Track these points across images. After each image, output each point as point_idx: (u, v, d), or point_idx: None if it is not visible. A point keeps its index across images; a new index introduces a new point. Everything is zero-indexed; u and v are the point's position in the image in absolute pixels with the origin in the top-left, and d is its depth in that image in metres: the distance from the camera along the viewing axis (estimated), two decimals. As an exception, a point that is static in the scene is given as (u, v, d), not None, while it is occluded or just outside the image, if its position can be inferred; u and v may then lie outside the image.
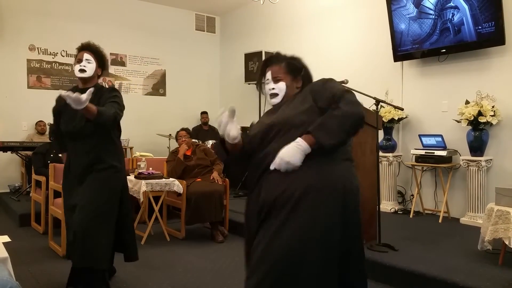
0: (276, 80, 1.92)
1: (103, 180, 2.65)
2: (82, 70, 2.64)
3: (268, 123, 1.83)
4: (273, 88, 1.92)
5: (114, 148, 2.75)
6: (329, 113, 1.68)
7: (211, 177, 4.54)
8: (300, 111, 1.76)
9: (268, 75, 1.94)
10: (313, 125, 1.66)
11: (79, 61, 2.66)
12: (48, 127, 6.36)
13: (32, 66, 6.74)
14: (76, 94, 2.15)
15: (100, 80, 2.83)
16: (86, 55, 2.66)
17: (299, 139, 1.65)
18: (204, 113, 7.97)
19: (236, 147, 1.88)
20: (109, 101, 2.58)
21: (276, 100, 1.92)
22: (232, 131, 1.77)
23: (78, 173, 2.68)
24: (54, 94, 7.01)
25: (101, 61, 2.72)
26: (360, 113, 1.71)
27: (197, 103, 8.19)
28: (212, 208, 4.25)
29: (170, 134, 6.81)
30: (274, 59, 1.98)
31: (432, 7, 4.75)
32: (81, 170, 2.66)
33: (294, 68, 1.95)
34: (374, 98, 3.47)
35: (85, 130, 2.58)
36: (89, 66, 2.65)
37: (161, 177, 4.24)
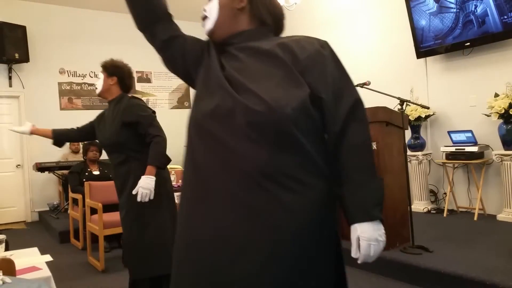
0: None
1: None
2: (95, 89, 2.72)
3: (231, 108, 1.13)
4: (204, 10, 1.38)
5: None
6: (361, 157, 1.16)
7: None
8: (287, 94, 1.11)
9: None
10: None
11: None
12: (81, 145, 6.58)
13: (63, 88, 7.01)
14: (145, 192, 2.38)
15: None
16: (99, 74, 2.73)
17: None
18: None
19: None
20: (147, 129, 2.51)
21: (207, 25, 1.37)
22: None
23: None
24: (85, 114, 7.33)
25: (108, 71, 2.65)
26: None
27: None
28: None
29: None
30: None
31: (453, 0, 4.66)
32: None
33: None
34: (398, 98, 3.44)
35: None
36: (98, 82, 2.66)
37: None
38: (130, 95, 2.70)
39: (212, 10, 1.32)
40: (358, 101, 1.18)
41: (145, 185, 2.39)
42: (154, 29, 1.48)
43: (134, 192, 2.40)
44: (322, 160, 1.16)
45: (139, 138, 2.53)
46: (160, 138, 2.51)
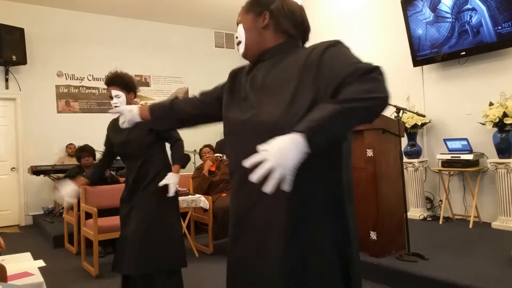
0: (237, 24, 1.46)
1: None
2: (117, 107, 2.70)
3: (250, 120, 1.30)
4: (236, 37, 1.48)
5: None
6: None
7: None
8: (292, 107, 1.20)
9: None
10: None
11: (110, 98, 2.78)
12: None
13: (60, 91, 7.00)
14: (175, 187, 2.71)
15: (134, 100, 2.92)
16: (113, 91, 2.74)
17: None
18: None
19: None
20: (171, 133, 2.85)
21: (240, 49, 1.44)
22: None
23: None
24: (82, 117, 7.32)
25: (127, 87, 2.77)
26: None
27: (220, 118, 8.29)
28: (239, 223, 4.28)
29: (195, 150, 6.92)
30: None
31: (448, 10, 4.71)
32: None
33: (256, 3, 1.40)
34: (395, 106, 3.46)
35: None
36: (120, 100, 2.74)
37: (187, 194, 4.31)
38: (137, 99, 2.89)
39: (241, 35, 1.43)
40: (361, 68, 1.14)
41: (175, 181, 2.72)
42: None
43: (161, 184, 2.68)
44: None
45: (157, 142, 2.79)
46: (182, 142, 2.89)
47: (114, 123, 2.90)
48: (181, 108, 1.66)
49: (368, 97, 1.10)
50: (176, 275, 2.83)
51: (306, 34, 1.44)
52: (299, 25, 1.40)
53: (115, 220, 4.11)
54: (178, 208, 2.93)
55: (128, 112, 1.76)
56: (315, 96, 1.18)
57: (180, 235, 2.85)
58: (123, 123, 1.88)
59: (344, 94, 1.10)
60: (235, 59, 8.90)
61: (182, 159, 2.89)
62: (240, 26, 1.43)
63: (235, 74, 1.51)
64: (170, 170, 2.79)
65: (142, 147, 2.73)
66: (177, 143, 2.86)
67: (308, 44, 1.40)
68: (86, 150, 5.00)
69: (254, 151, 1.09)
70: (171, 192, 2.71)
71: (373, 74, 1.14)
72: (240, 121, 1.33)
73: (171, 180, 2.71)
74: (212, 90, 1.64)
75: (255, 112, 1.28)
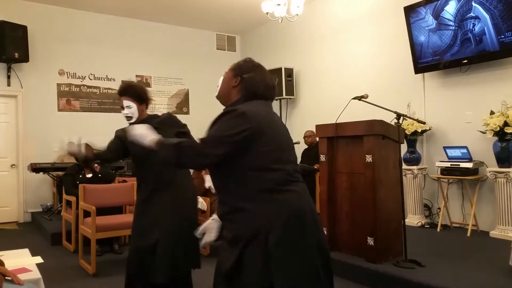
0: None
1: None
2: (128, 118, 2.78)
3: None
4: (218, 81, 1.99)
5: None
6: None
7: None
8: None
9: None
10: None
11: (122, 108, 2.79)
12: None
13: (61, 90, 7.01)
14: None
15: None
16: (125, 102, 2.74)
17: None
18: (227, 130, 8.06)
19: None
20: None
21: (216, 91, 1.99)
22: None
23: None
24: (83, 116, 7.32)
25: (140, 99, 2.77)
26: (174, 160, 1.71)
27: (220, 120, 8.30)
28: (237, 225, 4.27)
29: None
30: None
31: (451, 18, 4.72)
32: None
33: (238, 67, 1.89)
34: (395, 112, 3.47)
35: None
36: (131, 111, 2.74)
37: (185, 195, 4.30)
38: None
39: (220, 83, 1.95)
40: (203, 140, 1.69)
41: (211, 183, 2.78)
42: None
43: (207, 186, 2.89)
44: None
45: None
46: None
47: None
48: None
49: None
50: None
51: (254, 98, 1.82)
52: (255, 96, 1.82)
53: (113, 219, 4.13)
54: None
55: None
56: None
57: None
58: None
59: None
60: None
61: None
62: (221, 78, 1.94)
63: None
64: (190, 178, 2.85)
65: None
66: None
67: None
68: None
69: None
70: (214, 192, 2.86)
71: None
72: None
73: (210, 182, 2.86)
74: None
75: None
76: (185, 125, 2.89)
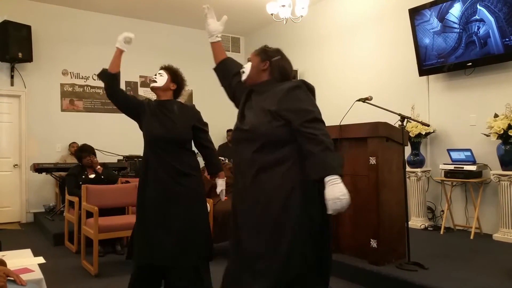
0: (248, 60, 2.18)
1: None
2: (153, 81, 2.85)
3: (240, 128, 2.05)
4: (243, 67, 2.19)
5: None
6: (317, 149, 1.80)
7: (238, 196, 4.57)
8: (262, 121, 1.92)
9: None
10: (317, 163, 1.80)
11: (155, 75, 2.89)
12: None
13: (65, 90, 7.02)
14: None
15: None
16: (160, 71, 2.91)
17: (330, 178, 1.75)
18: (230, 131, 8.05)
19: (218, 53, 2.45)
20: (208, 138, 2.96)
21: (243, 76, 2.16)
22: (210, 26, 2.37)
23: None
24: (86, 116, 7.32)
25: (173, 76, 2.90)
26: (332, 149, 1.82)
27: (223, 121, 8.27)
28: (239, 226, 4.27)
29: (197, 152, 6.91)
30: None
31: (456, 21, 4.71)
32: None
33: (264, 52, 2.13)
34: (399, 115, 3.45)
35: None
36: (160, 78, 2.85)
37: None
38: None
39: (247, 68, 2.14)
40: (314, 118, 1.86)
41: (225, 186, 2.96)
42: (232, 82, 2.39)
43: (218, 191, 2.98)
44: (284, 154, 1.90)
45: (190, 142, 2.88)
46: (214, 147, 3.03)
47: (157, 109, 2.83)
48: None
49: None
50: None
51: (286, 79, 2.09)
52: (284, 76, 2.10)
53: (115, 220, 4.12)
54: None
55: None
56: (273, 112, 1.91)
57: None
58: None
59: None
60: (240, 62, 8.92)
61: (220, 166, 3.03)
62: (249, 64, 2.14)
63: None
64: (200, 172, 2.88)
65: (182, 141, 2.76)
66: (212, 148, 2.98)
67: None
68: (86, 150, 4.96)
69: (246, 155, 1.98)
70: (223, 198, 3.04)
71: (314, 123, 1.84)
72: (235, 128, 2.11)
73: (224, 186, 2.96)
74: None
75: (250, 123, 2.00)
76: (206, 124, 2.97)
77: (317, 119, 1.84)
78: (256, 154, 1.92)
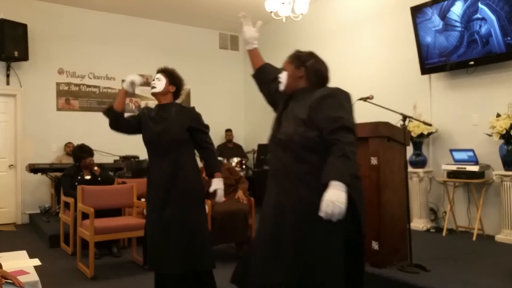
0: (283, 69, 2.16)
1: None
2: (152, 87, 2.89)
3: (276, 136, 2.08)
4: (279, 77, 2.16)
5: None
6: (335, 155, 1.81)
7: (236, 197, 4.52)
8: (297, 130, 1.94)
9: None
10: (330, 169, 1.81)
11: (154, 80, 2.93)
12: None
13: (61, 89, 6.94)
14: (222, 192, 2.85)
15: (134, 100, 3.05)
16: (157, 75, 2.92)
17: (335, 183, 1.76)
18: (228, 131, 8.00)
19: (256, 59, 2.38)
20: (206, 138, 2.90)
21: (281, 87, 2.14)
22: (246, 34, 2.34)
23: None
24: (82, 116, 7.25)
25: (171, 78, 2.92)
26: (356, 162, 1.86)
27: (222, 121, 8.24)
28: (237, 228, 4.22)
29: (195, 153, 6.85)
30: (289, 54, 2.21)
31: (458, 19, 4.65)
32: None
33: (297, 59, 2.12)
34: (401, 114, 3.40)
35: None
36: (159, 83, 2.87)
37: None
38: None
39: (283, 78, 2.12)
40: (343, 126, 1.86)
41: (222, 187, 2.85)
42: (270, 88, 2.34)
43: (211, 190, 2.84)
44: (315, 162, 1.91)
45: (189, 143, 2.87)
46: (214, 148, 2.94)
47: (156, 113, 2.91)
48: None
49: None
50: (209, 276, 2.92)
51: (324, 84, 2.12)
52: (321, 80, 2.12)
53: (112, 222, 4.06)
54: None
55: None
56: (306, 120, 1.94)
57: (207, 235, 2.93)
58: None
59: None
60: (239, 61, 8.88)
61: (217, 165, 2.94)
62: (284, 73, 2.13)
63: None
64: (199, 173, 2.88)
65: (177, 142, 2.79)
66: (211, 148, 2.91)
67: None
68: (87, 151, 4.89)
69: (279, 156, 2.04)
70: (219, 198, 2.89)
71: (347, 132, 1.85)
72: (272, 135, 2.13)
73: (219, 185, 2.84)
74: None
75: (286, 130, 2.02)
76: (207, 126, 2.94)
77: (345, 127, 1.84)
78: (291, 163, 1.95)
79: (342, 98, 1.95)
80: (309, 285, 1.90)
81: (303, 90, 2.07)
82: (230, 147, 7.85)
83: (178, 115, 2.85)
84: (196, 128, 2.86)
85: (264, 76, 2.36)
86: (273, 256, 1.97)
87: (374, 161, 3.41)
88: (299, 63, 2.10)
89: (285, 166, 1.98)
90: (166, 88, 2.90)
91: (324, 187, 1.78)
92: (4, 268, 2.02)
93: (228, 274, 4.01)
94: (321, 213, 1.75)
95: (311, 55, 2.14)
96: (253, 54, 2.42)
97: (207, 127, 2.93)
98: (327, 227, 1.83)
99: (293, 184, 1.94)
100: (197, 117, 2.92)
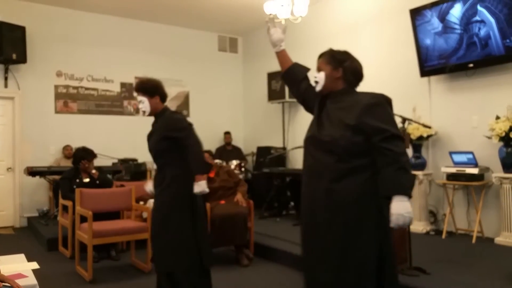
0: (318, 69, 2.17)
1: None
2: (143, 112, 2.98)
3: (319, 138, 2.09)
4: (315, 77, 2.17)
5: None
6: (393, 168, 1.88)
7: (235, 199, 4.50)
8: (343, 134, 1.98)
9: (315, 66, 2.22)
10: (394, 183, 1.89)
11: (138, 103, 3.02)
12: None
13: (59, 91, 6.92)
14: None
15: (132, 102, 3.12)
16: (138, 97, 2.97)
17: (398, 199, 1.86)
18: (227, 133, 7.99)
19: (284, 60, 2.42)
20: (184, 142, 2.85)
21: (318, 87, 2.16)
22: (273, 36, 2.34)
23: None
24: (80, 118, 7.23)
25: (149, 92, 2.94)
26: (412, 174, 1.96)
27: (221, 123, 8.24)
28: (237, 231, 4.21)
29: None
30: (323, 53, 2.22)
31: (457, 21, 4.65)
32: None
33: (334, 59, 2.13)
34: (400, 116, 3.40)
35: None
36: (144, 105, 2.94)
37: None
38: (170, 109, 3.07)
39: (321, 78, 2.14)
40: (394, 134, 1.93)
41: (201, 189, 2.84)
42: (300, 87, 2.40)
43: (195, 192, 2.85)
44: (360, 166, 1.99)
45: (175, 149, 2.87)
46: (193, 148, 2.87)
47: (152, 127, 3.04)
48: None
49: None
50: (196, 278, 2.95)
51: (359, 81, 2.18)
52: (358, 79, 2.16)
53: (110, 225, 4.04)
54: (199, 214, 2.97)
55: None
56: (354, 125, 1.98)
57: (192, 241, 2.91)
58: None
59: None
60: (238, 63, 8.88)
61: (197, 168, 2.88)
62: (322, 73, 2.14)
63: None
64: (189, 175, 2.86)
65: (157, 153, 2.92)
66: (189, 150, 2.86)
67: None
68: (90, 154, 4.86)
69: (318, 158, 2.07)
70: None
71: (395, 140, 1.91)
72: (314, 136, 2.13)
73: (198, 189, 2.83)
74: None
75: (324, 132, 2.07)
76: (184, 128, 2.89)
77: (396, 136, 1.91)
78: (334, 164, 2.00)
79: (388, 107, 2.07)
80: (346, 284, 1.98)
81: (342, 92, 2.12)
82: (229, 150, 7.83)
83: (158, 126, 2.96)
84: (170, 136, 2.86)
85: (294, 77, 2.39)
86: (321, 256, 2.04)
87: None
88: (337, 64, 2.12)
89: (327, 167, 2.01)
90: (152, 106, 2.94)
91: (381, 196, 1.92)
92: (2, 271, 2.02)
93: (228, 277, 4.00)
94: (392, 225, 1.86)
95: (347, 55, 2.16)
96: (281, 55, 2.45)
97: (183, 129, 2.88)
98: (372, 228, 1.97)
99: (337, 185, 1.99)
100: (170, 124, 2.92)
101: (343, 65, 2.11)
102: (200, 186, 2.83)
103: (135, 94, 3.06)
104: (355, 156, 1.97)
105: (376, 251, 1.99)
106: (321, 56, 2.20)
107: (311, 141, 2.13)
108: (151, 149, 2.96)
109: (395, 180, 1.85)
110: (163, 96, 3.02)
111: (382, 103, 2.00)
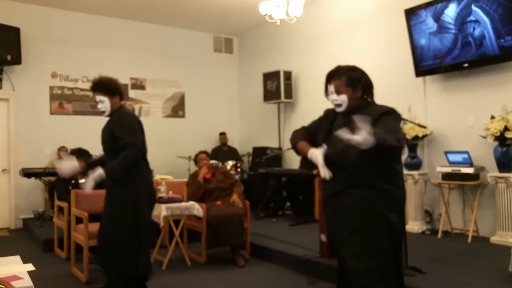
0: (338, 93, 2.30)
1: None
2: (102, 112, 3.00)
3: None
4: (336, 100, 2.31)
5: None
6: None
7: (231, 200, 4.50)
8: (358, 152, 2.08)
9: (331, 88, 2.33)
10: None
11: (96, 103, 3.02)
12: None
13: (54, 93, 6.89)
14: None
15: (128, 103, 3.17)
16: (97, 97, 2.96)
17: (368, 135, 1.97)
18: (223, 134, 7.98)
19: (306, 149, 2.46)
20: (125, 141, 2.88)
21: (340, 109, 2.32)
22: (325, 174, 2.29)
23: None
24: (75, 120, 7.20)
25: (110, 92, 2.93)
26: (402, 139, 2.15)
27: (216, 124, 8.23)
28: (233, 232, 4.20)
29: (190, 156, 6.84)
30: (335, 73, 2.35)
31: (452, 21, 4.67)
32: None
33: (353, 81, 2.29)
34: (396, 116, 3.39)
35: None
36: (104, 105, 2.96)
37: (180, 201, 4.22)
38: (124, 102, 3.11)
39: (343, 101, 2.30)
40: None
41: (92, 178, 2.94)
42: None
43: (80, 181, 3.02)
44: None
45: (118, 152, 2.89)
46: (129, 151, 2.85)
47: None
48: None
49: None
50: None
51: (371, 87, 2.37)
52: (372, 88, 2.36)
53: (106, 226, 4.02)
54: (144, 217, 2.98)
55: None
56: None
57: (133, 243, 2.92)
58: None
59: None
60: (233, 63, 8.87)
61: (112, 168, 2.90)
62: (344, 96, 2.29)
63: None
64: (133, 179, 2.89)
65: (105, 149, 3.01)
66: (124, 152, 2.87)
67: None
68: (86, 155, 4.84)
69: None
70: (86, 188, 2.99)
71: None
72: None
73: (82, 181, 3.00)
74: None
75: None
76: (128, 131, 2.90)
77: (397, 139, 2.08)
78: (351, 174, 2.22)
79: (397, 115, 2.29)
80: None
81: (361, 105, 2.29)
82: (225, 150, 7.82)
83: (111, 124, 3.00)
84: (114, 136, 2.90)
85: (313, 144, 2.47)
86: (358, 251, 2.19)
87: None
88: (356, 84, 2.29)
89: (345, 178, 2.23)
90: (112, 104, 2.97)
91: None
92: (-3, 273, 1.98)
93: (223, 278, 4.00)
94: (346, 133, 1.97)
95: (360, 72, 2.34)
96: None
97: (125, 131, 2.88)
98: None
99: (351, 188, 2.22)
100: (116, 124, 2.93)
101: (360, 84, 2.29)
102: (88, 181, 2.91)
103: (93, 93, 3.01)
104: (374, 159, 2.15)
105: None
106: (334, 77, 2.33)
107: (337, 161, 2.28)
108: (102, 145, 3.04)
109: (377, 132, 1.95)
110: (122, 95, 3.04)
111: (391, 111, 2.24)
